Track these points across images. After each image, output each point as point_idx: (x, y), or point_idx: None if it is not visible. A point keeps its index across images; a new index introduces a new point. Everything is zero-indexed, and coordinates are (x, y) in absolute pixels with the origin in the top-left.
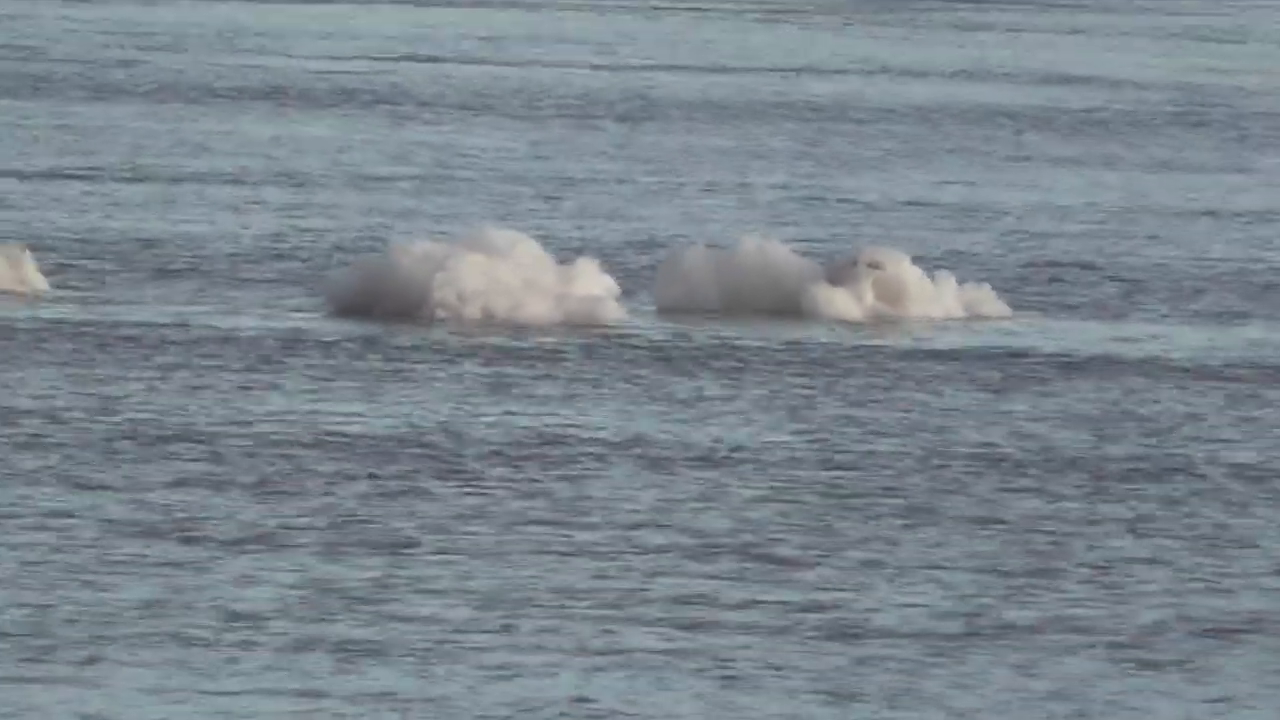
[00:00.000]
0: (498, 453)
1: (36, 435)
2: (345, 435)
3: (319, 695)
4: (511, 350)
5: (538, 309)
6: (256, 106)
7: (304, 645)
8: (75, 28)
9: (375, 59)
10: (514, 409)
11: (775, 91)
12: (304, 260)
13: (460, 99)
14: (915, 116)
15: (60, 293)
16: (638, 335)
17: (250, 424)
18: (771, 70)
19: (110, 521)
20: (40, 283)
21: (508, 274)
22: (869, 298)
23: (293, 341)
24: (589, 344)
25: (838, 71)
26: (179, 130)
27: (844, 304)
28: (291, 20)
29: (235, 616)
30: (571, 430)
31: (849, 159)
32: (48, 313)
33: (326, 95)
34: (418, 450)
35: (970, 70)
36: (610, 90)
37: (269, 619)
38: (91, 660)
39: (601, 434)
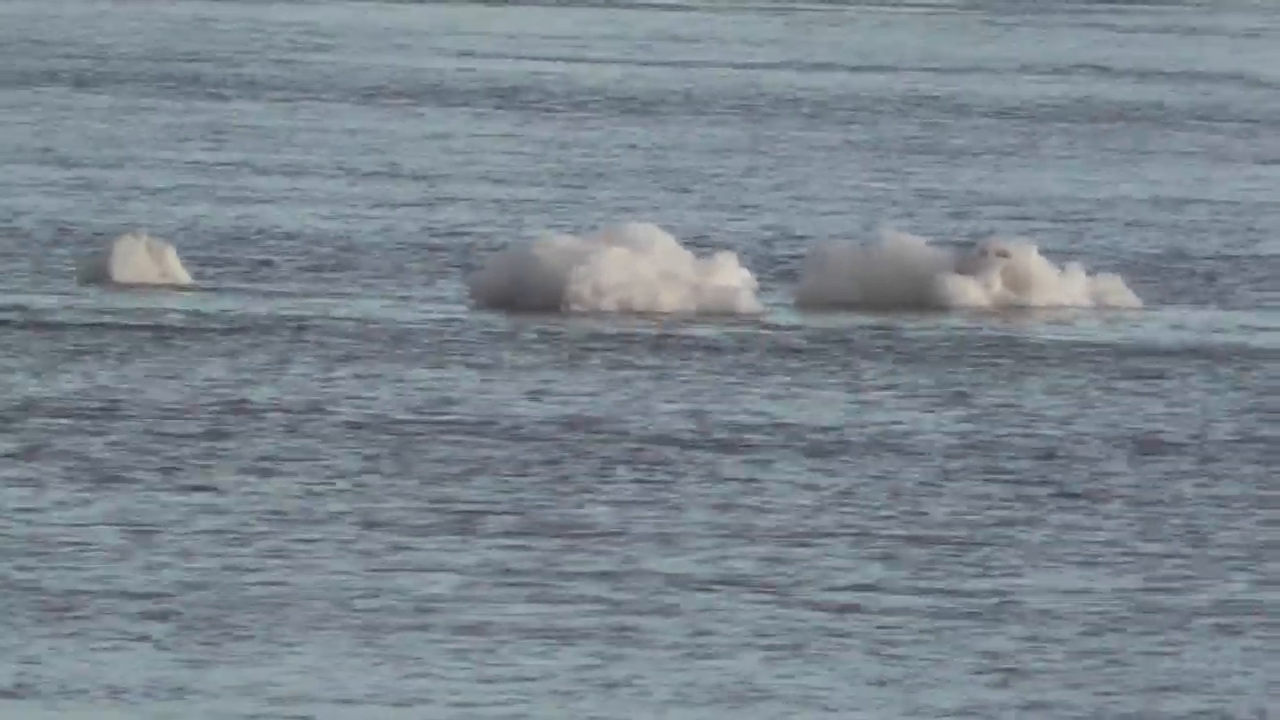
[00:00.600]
0: (661, 440)
1: (205, 427)
2: (509, 424)
3: (492, 681)
4: (657, 341)
5: (674, 301)
6: (395, 104)
7: (481, 630)
8: (223, 27)
9: (510, 58)
10: (669, 398)
11: (900, 88)
12: (448, 254)
13: (594, 97)
14: (1037, 112)
15: (203, 285)
16: (779, 326)
17: (419, 413)
18: (896, 69)
19: (287, 509)
20: (183, 275)
21: (646, 268)
22: (997, 286)
23: (448, 332)
24: (732, 334)
25: (960, 69)
26: (321, 126)
27: (973, 293)
28: (429, 20)
29: (416, 600)
30: (730, 418)
31: (977, 153)
32: (192, 305)
33: (463, 93)
34: (582, 438)
35: (1091, 66)
36: (739, 87)
37: (449, 603)
38: (272, 644)
39: (761, 422)
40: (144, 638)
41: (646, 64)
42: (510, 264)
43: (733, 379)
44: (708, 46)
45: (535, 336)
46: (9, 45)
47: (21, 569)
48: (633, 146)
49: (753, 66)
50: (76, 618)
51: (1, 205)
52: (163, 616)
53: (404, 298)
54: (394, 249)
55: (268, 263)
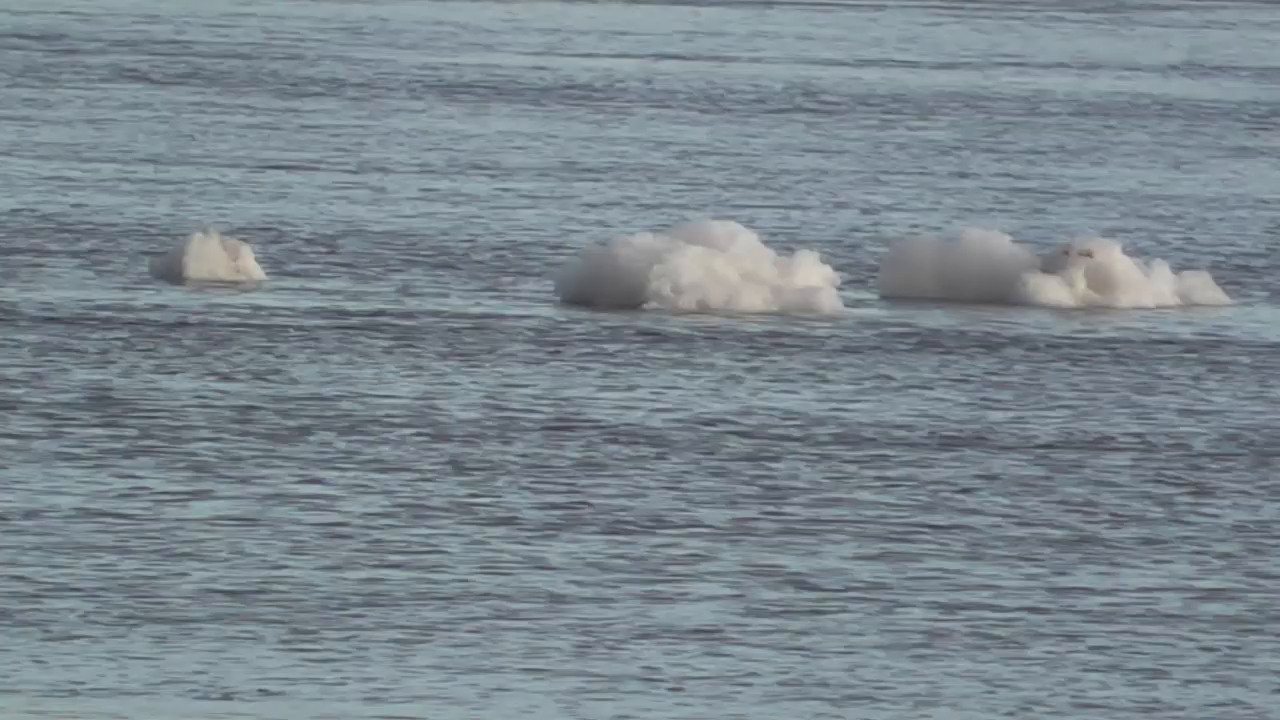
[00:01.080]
0: (745, 435)
1: (282, 423)
2: (601, 420)
3: (594, 676)
4: (740, 337)
5: (754, 299)
6: (468, 101)
7: (578, 627)
8: (292, 24)
9: (586, 55)
10: (752, 395)
11: (984, 85)
12: (526, 251)
13: (671, 94)
14: (1122, 109)
15: (278, 282)
16: (857, 323)
17: (502, 409)
18: (980, 65)
19: (380, 505)
20: (258, 272)
21: (725, 266)
22: (1081, 286)
23: (534, 328)
24: (821, 331)
25: (1046, 65)
26: (393, 124)
27: (1056, 292)
28: (506, 17)
29: (507, 598)
30: (816, 415)
31: (1056, 150)
32: (267, 302)
33: (541, 91)
34: (668, 435)
35: (1178, 64)
36: (822, 84)
37: (541, 601)
38: (373, 641)
39: (848, 418)
40: (255, 637)
41: (723, 60)
42: (593, 261)
43: (828, 375)
44: (782, 43)
45: (625, 333)
46: (87, 41)
47: (126, 566)
48: (710, 144)
49: (831, 64)
50: (170, 618)
51: (75, 201)
52: (269, 616)
53: (485, 294)
54: (471, 246)
55: (343, 260)
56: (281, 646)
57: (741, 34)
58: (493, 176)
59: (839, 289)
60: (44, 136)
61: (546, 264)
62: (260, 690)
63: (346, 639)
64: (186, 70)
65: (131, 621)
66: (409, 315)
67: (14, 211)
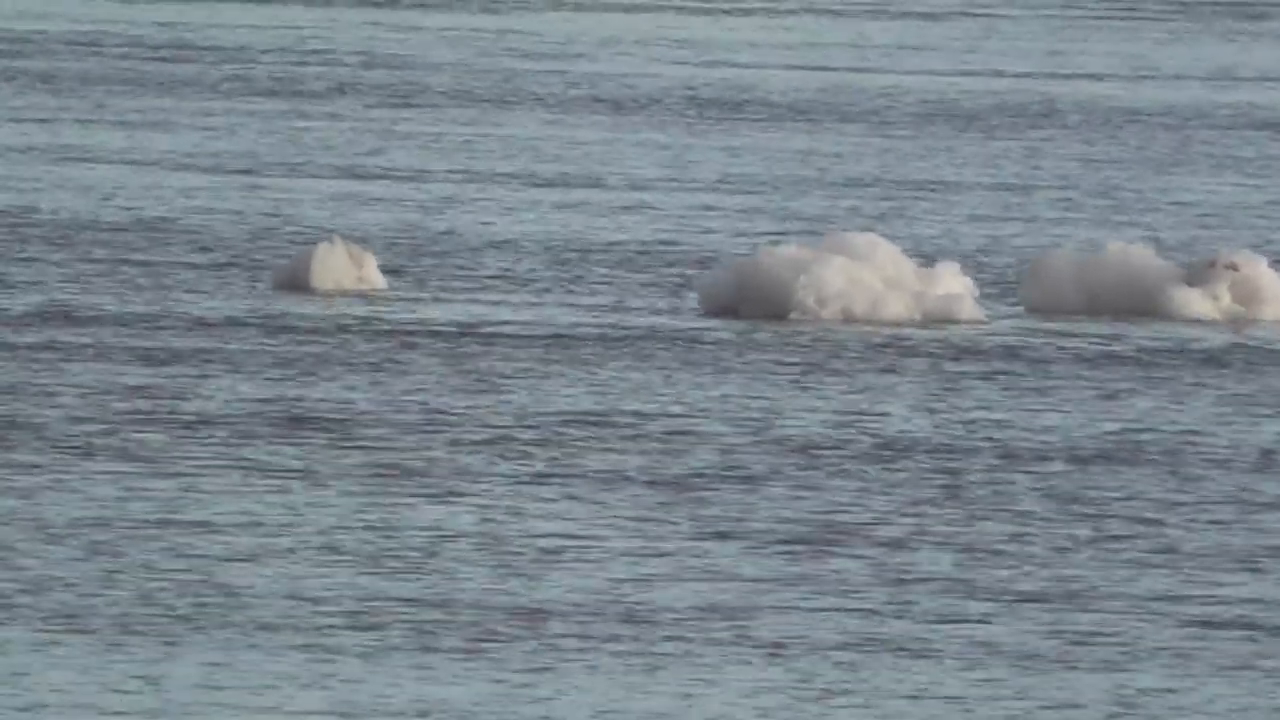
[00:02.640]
0: (945, 449)
1: (445, 436)
2: (783, 431)
3: (809, 692)
4: (902, 349)
5: (896, 309)
6: (593, 113)
7: (744, 640)
8: (415, 36)
9: (723, 65)
10: (951, 406)
11: (1129, 96)
12: (661, 260)
13: (813, 105)
14: (1259, 122)
15: (400, 291)
16: (1000, 334)
17: (663, 419)
18: (1123, 77)
19: (542, 521)
20: (380, 281)
21: (868, 276)
22: (1226, 299)
23: (688, 340)
24: (973, 341)
25: (1187, 77)
26: (516, 136)
27: (1201, 305)
28: (636, 28)
29: (714, 611)
30: (998, 424)
31: (1204, 163)
32: (395, 312)
33: (663, 102)
34: (851, 446)
35: None
36: (963, 97)
37: (748, 614)
38: (539, 661)
39: (1035, 428)
40: (461, 653)
41: (860, 71)
42: (737, 272)
43: (1005, 390)
44: (920, 55)
45: (789, 344)
46: (209, 53)
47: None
48: (849, 155)
49: (969, 74)
50: (374, 625)
51: (196, 211)
52: (426, 628)
53: (623, 306)
54: (606, 257)
55: (469, 270)
56: (488, 662)
57: (880, 44)
58: (628, 188)
59: (979, 300)
60: (161, 145)
61: (668, 274)
62: (449, 710)
63: (484, 654)
64: (307, 81)
65: (341, 634)
66: (550, 325)
67: (133, 221)
